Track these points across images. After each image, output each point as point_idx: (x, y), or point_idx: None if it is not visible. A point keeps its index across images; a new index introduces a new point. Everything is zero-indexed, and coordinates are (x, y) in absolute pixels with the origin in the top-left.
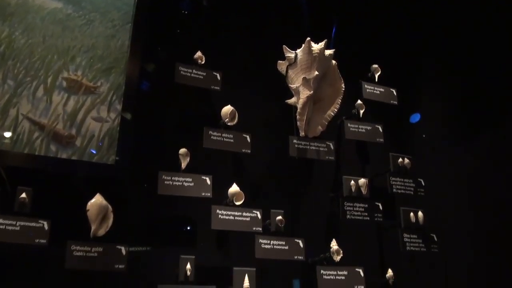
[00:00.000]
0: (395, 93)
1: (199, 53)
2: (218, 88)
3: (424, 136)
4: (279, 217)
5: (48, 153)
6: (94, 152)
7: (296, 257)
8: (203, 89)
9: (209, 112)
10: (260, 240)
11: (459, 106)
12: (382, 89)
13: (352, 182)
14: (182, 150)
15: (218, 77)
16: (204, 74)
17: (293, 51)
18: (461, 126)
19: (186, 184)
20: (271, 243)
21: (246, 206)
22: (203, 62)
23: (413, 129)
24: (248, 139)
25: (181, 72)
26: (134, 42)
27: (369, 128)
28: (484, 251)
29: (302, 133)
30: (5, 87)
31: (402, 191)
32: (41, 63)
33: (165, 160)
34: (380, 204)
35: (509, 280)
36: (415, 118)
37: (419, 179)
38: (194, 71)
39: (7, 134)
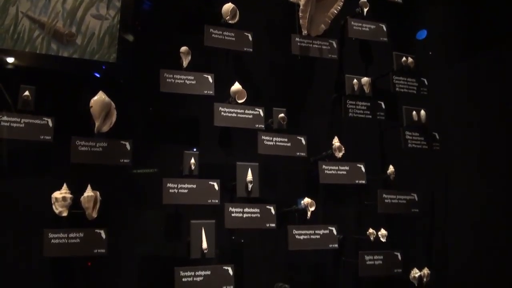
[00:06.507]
0: None
1: None
2: None
3: (430, 53)
4: (282, 115)
5: (49, 51)
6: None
7: (298, 153)
8: None
9: (209, 10)
10: (263, 137)
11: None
12: None
13: (355, 80)
14: (183, 48)
15: None
16: None
17: None
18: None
19: (188, 82)
20: (274, 140)
21: (248, 104)
22: None
23: (417, 29)
24: (250, 38)
25: None
26: None
27: (372, 27)
28: (487, 149)
29: (304, 32)
30: None
31: (405, 90)
32: None
33: (166, 58)
34: (382, 103)
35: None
36: (422, 34)
37: (422, 78)
38: None
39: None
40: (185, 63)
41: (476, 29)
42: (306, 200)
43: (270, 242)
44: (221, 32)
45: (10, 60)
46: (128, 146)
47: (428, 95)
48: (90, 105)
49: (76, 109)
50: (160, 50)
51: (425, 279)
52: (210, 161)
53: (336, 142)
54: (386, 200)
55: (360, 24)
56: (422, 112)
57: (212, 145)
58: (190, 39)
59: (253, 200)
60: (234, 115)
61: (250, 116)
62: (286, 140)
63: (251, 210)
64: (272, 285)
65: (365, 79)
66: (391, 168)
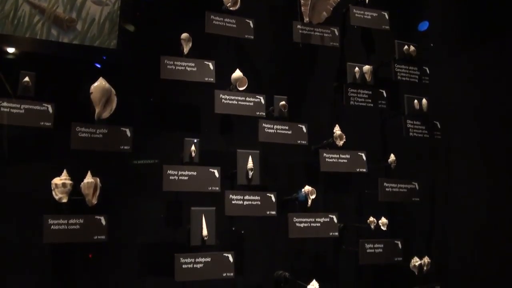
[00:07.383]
0: None
1: None
2: None
3: (432, 45)
4: (283, 102)
5: (49, 37)
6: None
7: (299, 141)
8: None
9: None
10: (264, 124)
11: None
12: None
13: (357, 68)
14: (184, 35)
15: None
16: None
17: None
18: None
19: (188, 69)
20: (274, 128)
21: (249, 91)
22: None
23: (419, 18)
24: (251, 25)
25: None
26: None
27: (375, 14)
28: (488, 138)
29: (306, 19)
30: None
31: (407, 78)
32: None
33: (167, 45)
34: (384, 91)
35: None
36: (424, 26)
37: (424, 66)
38: None
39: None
40: (185, 50)
41: (478, 19)
42: (307, 188)
43: (271, 230)
44: (222, 19)
45: (10, 45)
46: (128, 133)
47: (429, 84)
48: (90, 91)
49: (76, 95)
50: (161, 36)
51: (425, 268)
52: (211, 148)
53: (337, 130)
54: (387, 189)
55: (362, 12)
56: (424, 101)
57: (213, 132)
58: (191, 26)
59: (253, 188)
60: (235, 102)
61: (251, 104)
62: (287, 128)
63: (252, 197)
64: (272, 273)
65: (366, 67)
66: (392, 157)
